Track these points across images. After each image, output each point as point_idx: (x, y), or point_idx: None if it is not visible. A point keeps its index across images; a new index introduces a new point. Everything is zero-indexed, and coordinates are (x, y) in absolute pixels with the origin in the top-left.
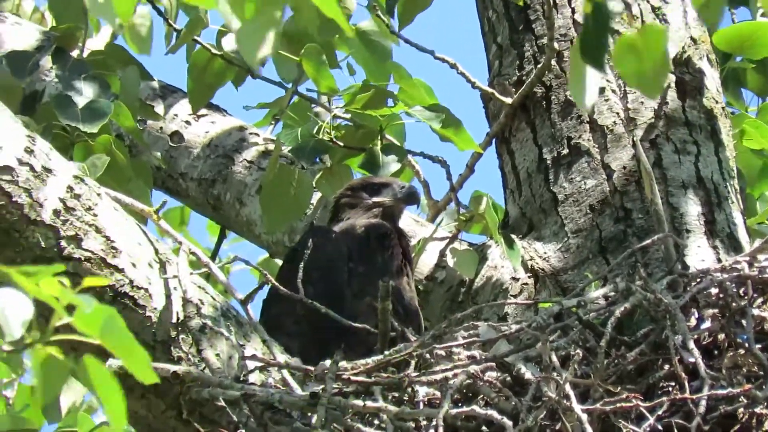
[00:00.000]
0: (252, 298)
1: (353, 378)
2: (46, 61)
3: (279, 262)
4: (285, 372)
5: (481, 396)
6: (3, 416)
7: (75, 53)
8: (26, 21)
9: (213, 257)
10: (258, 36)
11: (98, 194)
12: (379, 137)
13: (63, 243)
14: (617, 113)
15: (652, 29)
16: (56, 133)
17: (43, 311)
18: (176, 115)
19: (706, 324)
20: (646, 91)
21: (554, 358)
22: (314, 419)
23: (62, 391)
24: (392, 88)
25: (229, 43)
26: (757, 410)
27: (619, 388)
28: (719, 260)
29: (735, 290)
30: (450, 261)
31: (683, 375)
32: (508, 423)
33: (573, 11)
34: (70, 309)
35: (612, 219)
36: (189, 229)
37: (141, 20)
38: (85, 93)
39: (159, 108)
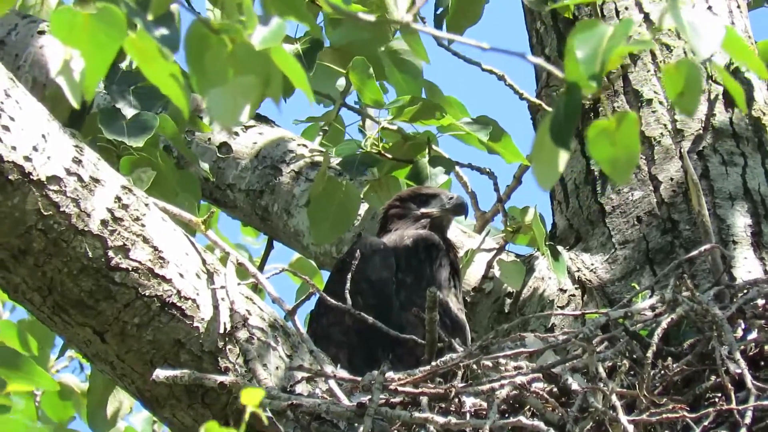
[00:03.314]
0: (298, 308)
1: (400, 388)
2: None
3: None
4: (332, 382)
5: (528, 407)
6: (46, 429)
7: (123, 64)
8: None
9: (261, 267)
10: (233, 102)
11: (146, 204)
12: (427, 149)
13: (110, 253)
14: (664, 125)
15: (625, 117)
16: (102, 146)
17: None
18: None
19: (753, 335)
20: (617, 177)
21: (601, 369)
22: (361, 429)
23: (108, 401)
24: None
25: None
26: None
27: (666, 398)
28: (766, 272)
29: None
30: (497, 273)
31: (729, 386)
32: None
33: None
34: None
35: (659, 230)
36: (221, 229)
37: None
38: (134, 105)
39: (207, 119)
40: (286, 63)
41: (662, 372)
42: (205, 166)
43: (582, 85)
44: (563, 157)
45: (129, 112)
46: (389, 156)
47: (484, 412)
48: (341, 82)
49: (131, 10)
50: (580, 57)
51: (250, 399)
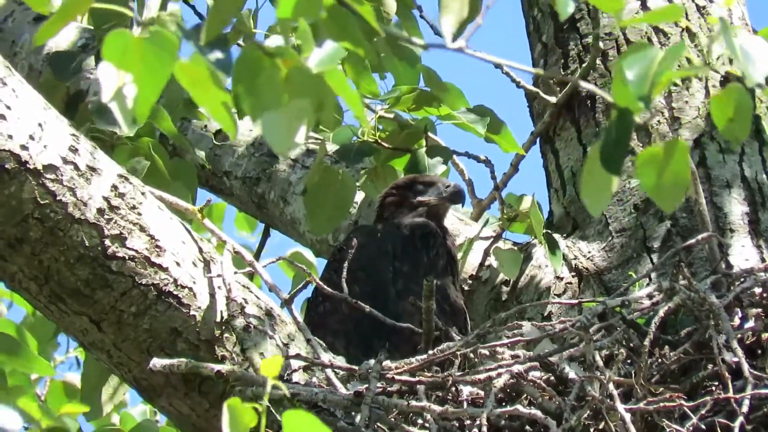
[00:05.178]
0: (295, 296)
1: (397, 377)
2: (91, 60)
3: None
4: (329, 371)
5: (525, 395)
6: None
7: None
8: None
9: (257, 256)
10: (289, 126)
11: (142, 193)
12: (424, 138)
13: (107, 242)
14: (661, 112)
15: (676, 145)
16: (96, 136)
17: None
18: None
19: (750, 323)
20: (663, 204)
21: (598, 358)
22: (358, 418)
23: (103, 390)
24: None
25: (274, 44)
26: None
27: (663, 387)
28: (763, 260)
29: None
30: (493, 261)
31: (726, 374)
32: (552, 422)
33: None
34: None
35: (656, 218)
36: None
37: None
38: None
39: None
40: (341, 86)
41: (659, 361)
42: (202, 153)
43: (632, 108)
44: (614, 182)
45: None
46: (386, 145)
47: (481, 401)
48: None
49: (185, 33)
50: (630, 79)
51: (270, 369)
